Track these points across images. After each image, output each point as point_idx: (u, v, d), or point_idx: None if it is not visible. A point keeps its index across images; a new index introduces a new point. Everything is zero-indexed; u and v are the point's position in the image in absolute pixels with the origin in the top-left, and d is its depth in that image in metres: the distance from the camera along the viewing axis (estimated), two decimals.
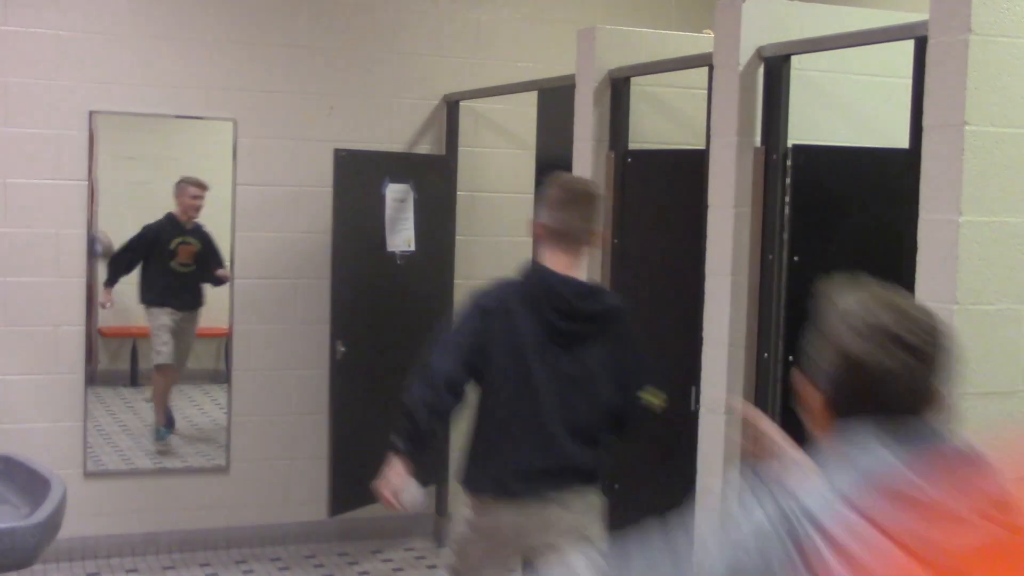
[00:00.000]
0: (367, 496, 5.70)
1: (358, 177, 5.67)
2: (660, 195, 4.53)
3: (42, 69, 5.51)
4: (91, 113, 5.59)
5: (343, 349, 5.59)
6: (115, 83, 5.63)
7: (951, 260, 3.01)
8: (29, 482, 3.86)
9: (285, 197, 5.94)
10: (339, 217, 5.60)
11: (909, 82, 3.24)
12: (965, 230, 3.00)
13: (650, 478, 4.54)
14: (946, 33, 3.03)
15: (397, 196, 5.82)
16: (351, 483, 5.62)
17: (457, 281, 6.01)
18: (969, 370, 3.02)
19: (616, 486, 4.64)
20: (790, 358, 3.77)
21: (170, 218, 6.06)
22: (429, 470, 6.14)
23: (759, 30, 3.82)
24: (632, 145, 4.63)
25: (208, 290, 6.16)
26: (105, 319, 5.94)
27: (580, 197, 3.57)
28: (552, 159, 5.12)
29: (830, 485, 1.75)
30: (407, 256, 5.86)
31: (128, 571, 5.70)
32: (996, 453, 1.79)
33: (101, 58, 5.60)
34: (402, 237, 5.84)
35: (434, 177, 6.03)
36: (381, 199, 5.78)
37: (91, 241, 5.63)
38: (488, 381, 3.52)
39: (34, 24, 5.49)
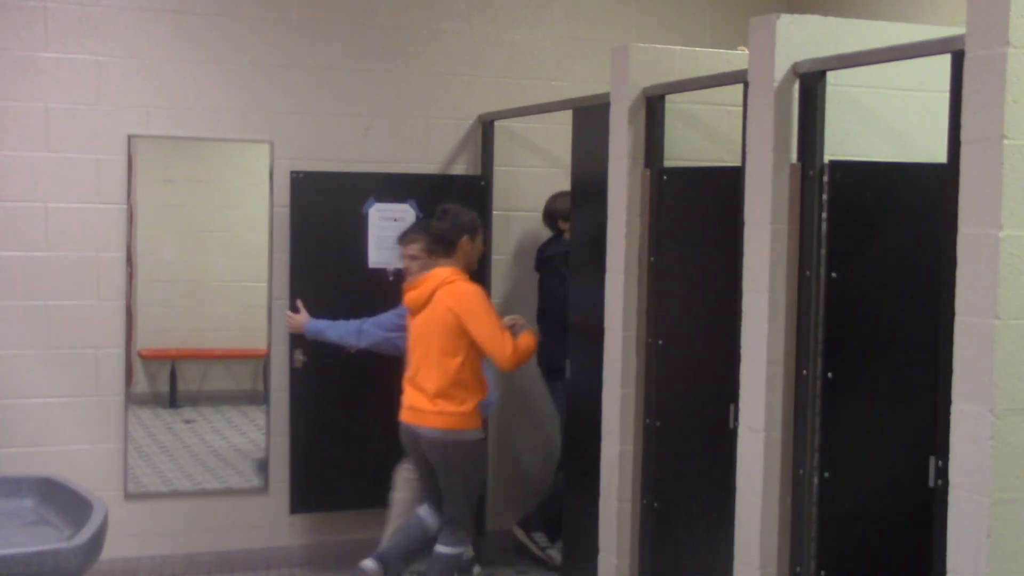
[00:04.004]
0: (330, 501, 5.99)
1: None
2: (696, 212, 4.52)
3: (82, 94, 5.58)
4: (130, 137, 5.65)
5: (304, 357, 5.85)
6: (153, 107, 5.69)
7: (991, 275, 2.99)
8: (71, 504, 3.87)
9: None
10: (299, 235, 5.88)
11: (946, 96, 3.22)
12: (1005, 244, 2.97)
13: (689, 495, 4.53)
14: (984, 46, 3.01)
15: (390, 215, 5.94)
16: (313, 486, 5.92)
17: (494, 300, 6.02)
18: (1011, 385, 3.00)
19: (655, 504, 4.63)
20: (829, 375, 3.75)
21: None
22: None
23: (794, 46, 3.81)
24: (667, 163, 4.62)
25: (246, 312, 6.22)
26: (144, 341, 5.98)
27: None
28: (587, 178, 5.13)
29: None
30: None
31: None
32: None
33: (139, 83, 5.66)
34: (396, 254, 5.87)
35: (469, 197, 6.04)
36: (363, 218, 5.91)
37: (129, 262, 5.69)
38: None
39: (74, 50, 5.55)
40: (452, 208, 5.33)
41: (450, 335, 5.07)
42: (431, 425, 5.08)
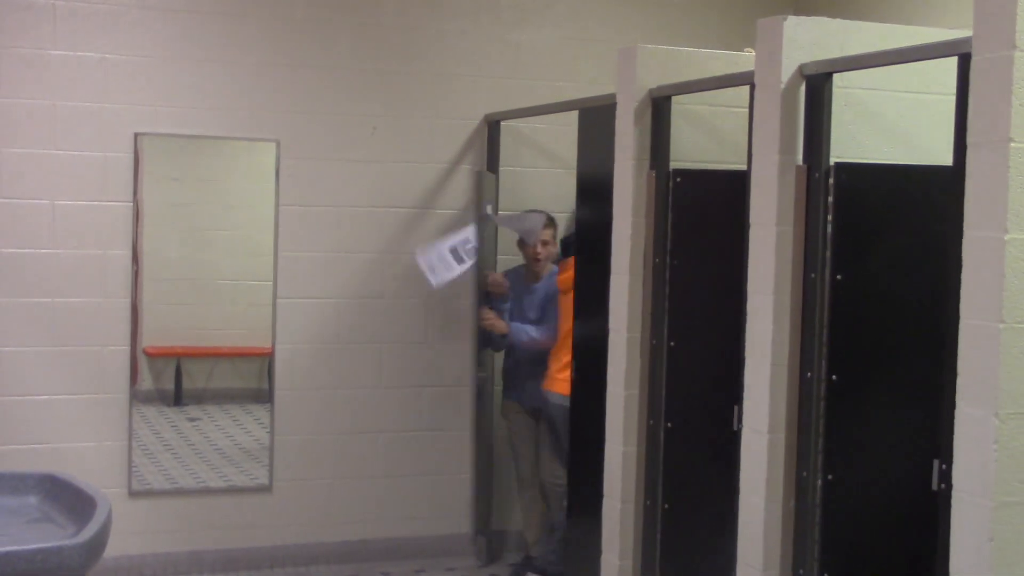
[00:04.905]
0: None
1: None
2: (705, 214, 4.51)
3: (89, 92, 5.58)
4: (136, 135, 5.66)
5: (483, 375, 6.18)
6: (160, 105, 5.70)
7: (997, 278, 2.98)
8: (75, 501, 3.87)
9: (328, 217, 5.98)
10: None
11: (953, 99, 3.21)
12: (1011, 247, 2.97)
13: (694, 497, 4.52)
14: (991, 49, 3.01)
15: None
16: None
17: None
18: (1015, 389, 2.99)
19: (666, 505, 4.63)
20: (833, 377, 3.74)
21: None
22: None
23: (800, 48, 3.81)
24: (673, 164, 4.62)
25: (252, 310, 6.22)
26: (150, 339, 5.98)
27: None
28: (593, 178, 5.13)
29: None
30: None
31: None
32: None
33: (146, 81, 5.67)
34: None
35: (476, 196, 6.06)
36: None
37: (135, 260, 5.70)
38: None
39: (81, 48, 5.56)
40: None
41: None
42: (555, 390, 5.62)
